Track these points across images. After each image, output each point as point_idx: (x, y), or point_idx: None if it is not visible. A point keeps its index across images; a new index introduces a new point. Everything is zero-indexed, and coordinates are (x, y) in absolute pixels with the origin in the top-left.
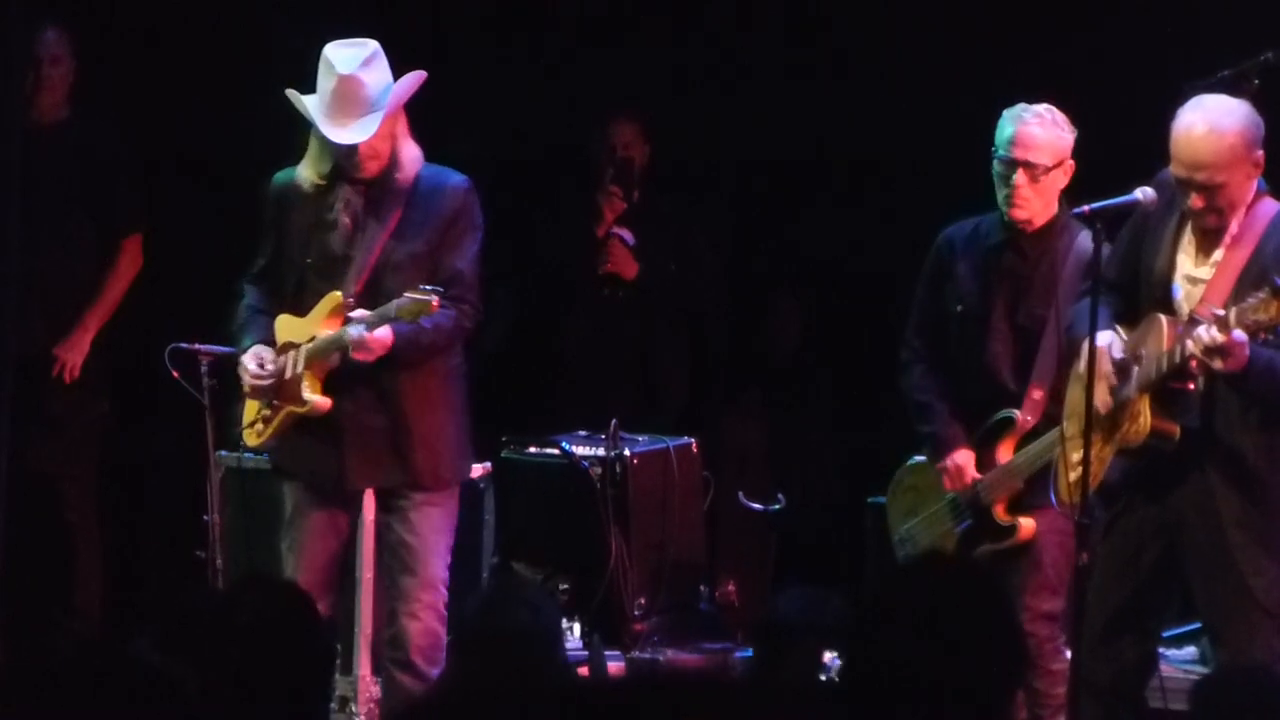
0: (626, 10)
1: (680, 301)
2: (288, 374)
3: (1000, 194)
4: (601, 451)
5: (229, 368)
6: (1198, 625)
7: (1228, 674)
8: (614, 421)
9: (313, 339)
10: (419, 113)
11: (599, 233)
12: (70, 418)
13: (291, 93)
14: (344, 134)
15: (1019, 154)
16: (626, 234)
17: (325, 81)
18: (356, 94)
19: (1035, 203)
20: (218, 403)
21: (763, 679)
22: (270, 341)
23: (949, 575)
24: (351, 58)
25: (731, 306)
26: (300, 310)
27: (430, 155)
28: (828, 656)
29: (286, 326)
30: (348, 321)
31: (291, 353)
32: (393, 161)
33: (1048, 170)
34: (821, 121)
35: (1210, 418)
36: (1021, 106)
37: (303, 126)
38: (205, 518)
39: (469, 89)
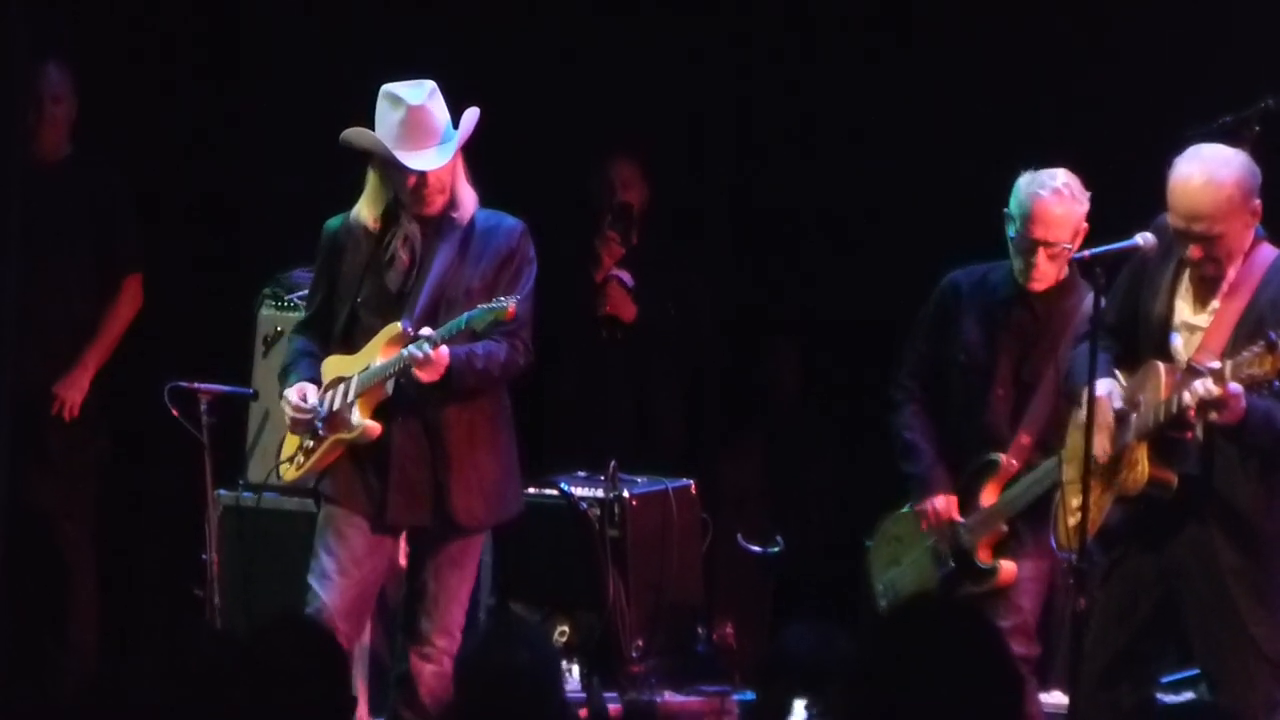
0: (625, 50)
1: (678, 343)
2: (336, 404)
3: (1016, 264)
4: (600, 492)
5: (228, 406)
6: (1196, 671)
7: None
8: (613, 463)
9: (367, 368)
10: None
11: (597, 278)
12: (69, 455)
13: (357, 130)
14: (421, 160)
15: (1039, 234)
16: (625, 276)
17: (393, 114)
18: (428, 124)
19: (1053, 273)
20: (217, 441)
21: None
22: (316, 380)
23: (940, 617)
24: (417, 91)
25: (731, 349)
26: (351, 348)
27: None
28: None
29: (335, 364)
30: (411, 342)
31: (341, 385)
32: (451, 200)
33: (1068, 247)
34: (823, 168)
35: (1209, 467)
36: (1041, 179)
37: (349, 169)
38: (203, 556)
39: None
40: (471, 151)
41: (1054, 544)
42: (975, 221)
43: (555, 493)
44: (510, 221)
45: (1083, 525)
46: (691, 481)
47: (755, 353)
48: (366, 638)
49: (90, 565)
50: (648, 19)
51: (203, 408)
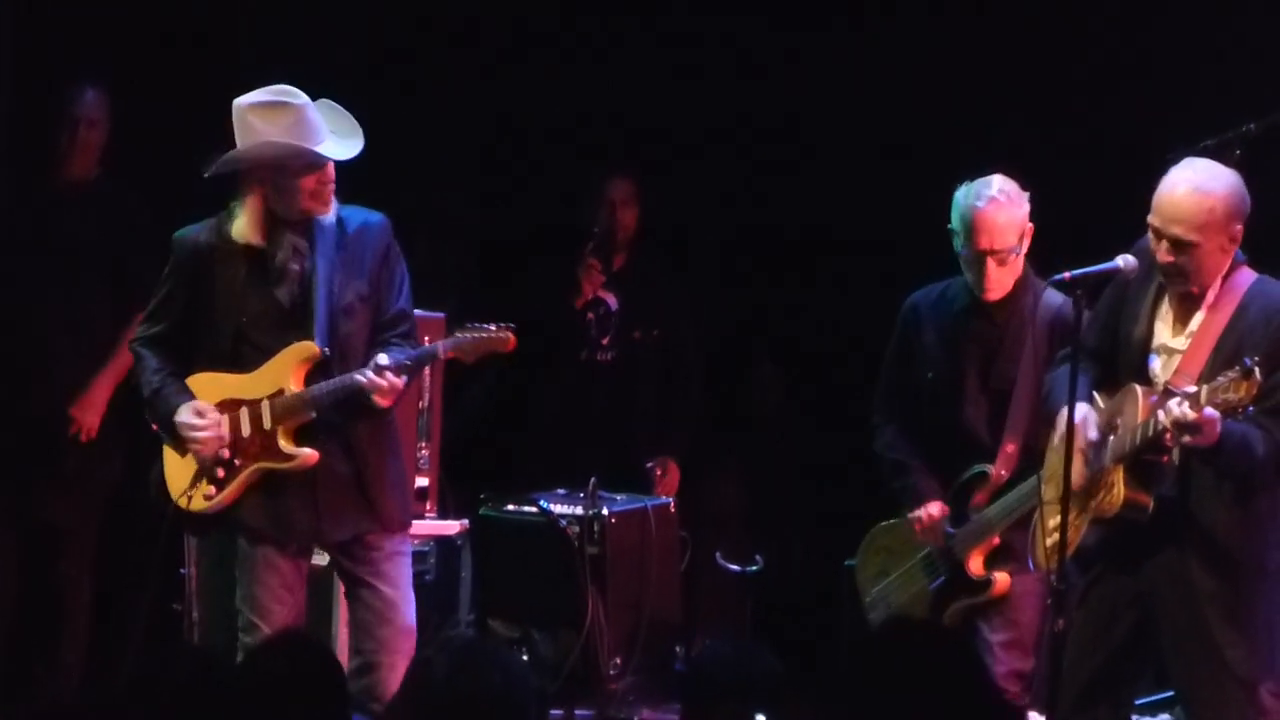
0: (616, 76)
1: (660, 364)
2: (246, 430)
3: (969, 276)
4: (580, 510)
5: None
6: (1171, 694)
7: None
8: (593, 480)
9: (279, 392)
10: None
11: (577, 305)
12: (83, 476)
13: (254, 146)
14: (338, 151)
15: (984, 244)
16: (610, 299)
17: (282, 118)
18: (317, 120)
19: (1006, 279)
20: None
21: None
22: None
23: (924, 643)
24: (288, 93)
25: (712, 369)
26: (239, 367)
27: (421, 216)
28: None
29: (219, 384)
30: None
31: (247, 408)
32: None
33: (1015, 251)
34: (807, 191)
35: (1185, 489)
36: (977, 190)
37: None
38: (182, 570)
39: (457, 149)
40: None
41: (1031, 564)
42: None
43: (535, 510)
44: (377, 217)
45: (1060, 546)
46: (671, 500)
47: (737, 373)
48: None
49: (85, 585)
50: (637, 43)
51: None
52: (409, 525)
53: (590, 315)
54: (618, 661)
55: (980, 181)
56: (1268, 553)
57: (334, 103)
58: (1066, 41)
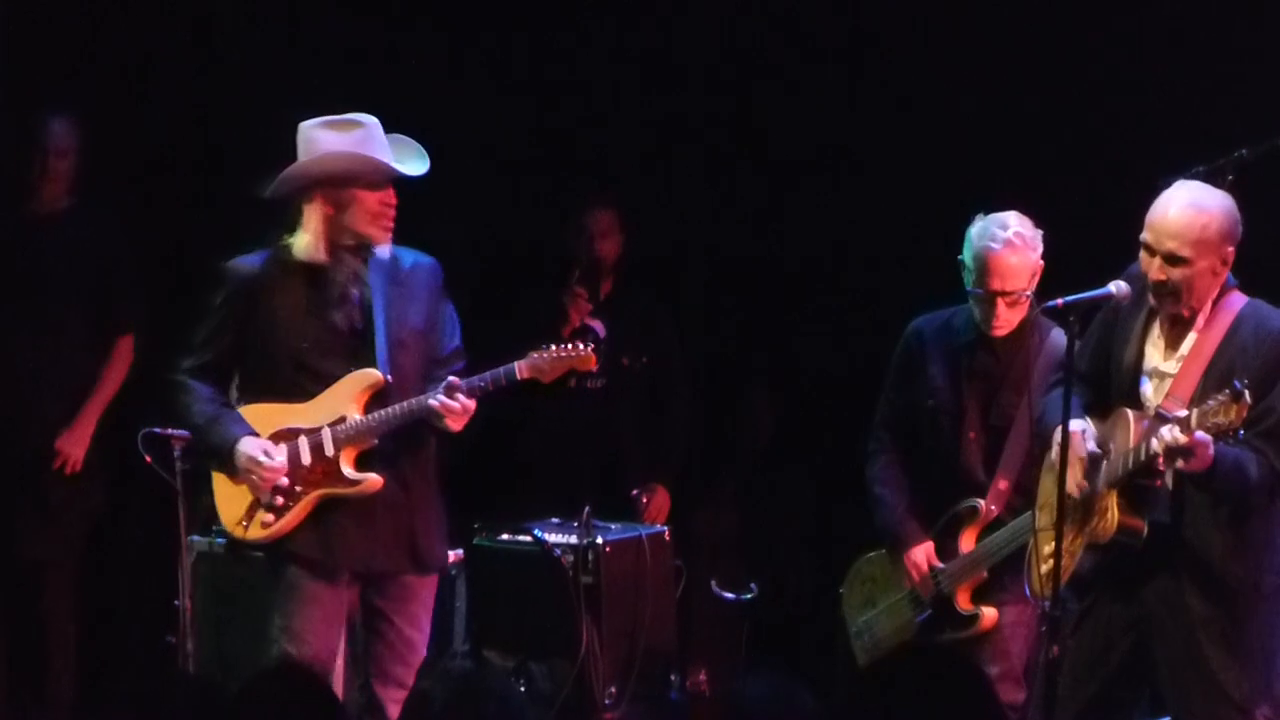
0: (601, 101)
1: (650, 391)
2: (306, 458)
3: (977, 313)
4: (574, 539)
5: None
6: (1167, 719)
7: None
8: (586, 509)
9: (341, 419)
10: None
11: (564, 332)
12: (66, 509)
13: (322, 157)
14: (409, 167)
15: (996, 285)
16: (598, 326)
17: (349, 134)
18: (384, 139)
19: (1014, 318)
20: (190, 487)
21: None
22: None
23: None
24: (357, 115)
25: (705, 396)
26: (294, 395)
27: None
28: None
29: (276, 415)
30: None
31: (306, 437)
32: None
33: (1027, 294)
34: (797, 216)
35: (1179, 514)
36: (992, 230)
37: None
38: (176, 602)
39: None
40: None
41: (1027, 591)
42: (953, 272)
43: (529, 539)
44: (427, 258)
45: (1055, 572)
46: (665, 528)
47: (729, 400)
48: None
49: (69, 617)
50: (620, 73)
51: (176, 454)
52: (445, 566)
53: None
54: (613, 691)
55: (995, 219)
56: (1262, 577)
57: (403, 135)
58: (1055, 69)
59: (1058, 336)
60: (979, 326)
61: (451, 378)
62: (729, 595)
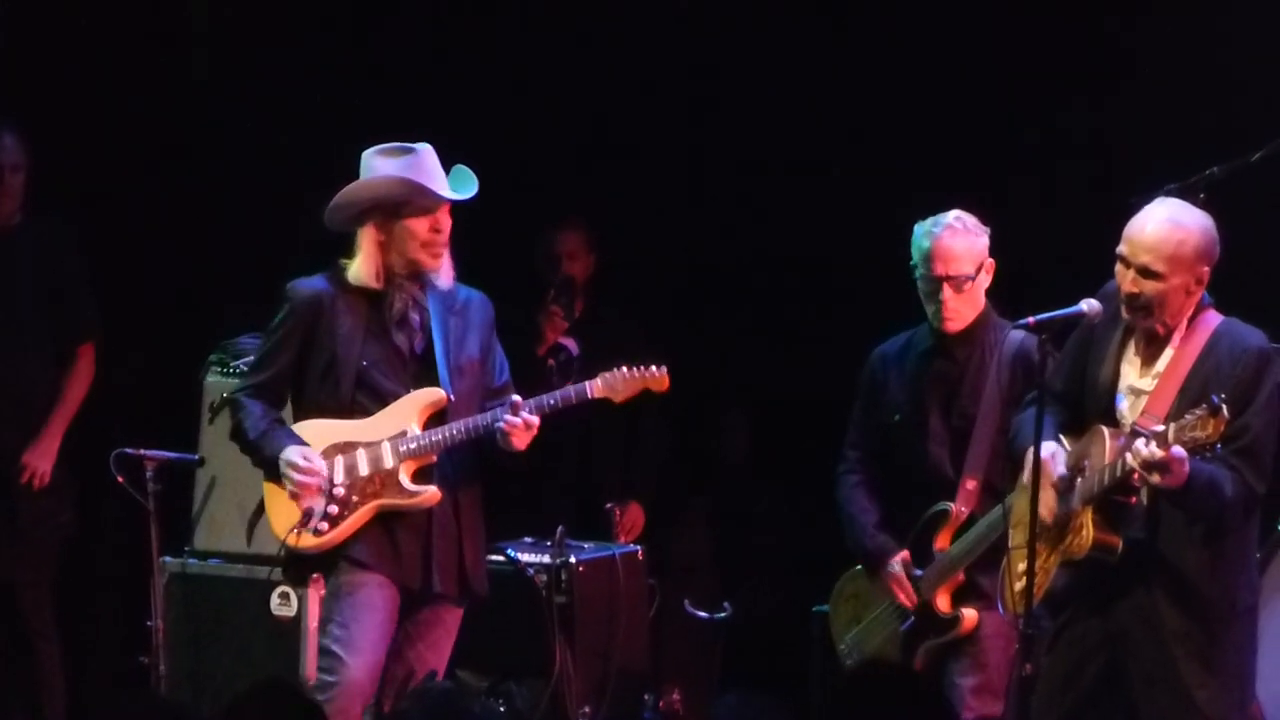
0: (573, 115)
1: (623, 408)
2: (363, 470)
3: (929, 309)
4: (547, 559)
5: (174, 473)
6: None
7: None
8: (560, 528)
9: (402, 434)
10: None
11: (539, 352)
12: (35, 525)
13: (375, 180)
14: (458, 193)
15: (940, 270)
16: (571, 345)
17: (402, 159)
18: (438, 166)
19: (965, 310)
20: (162, 508)
21: None
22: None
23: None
24: (413, 145)
25: (679, 415)
26: (352, 414)
27: None
28: None
29: (334, 430)
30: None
31: (365, 450)
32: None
33: (971, 279)
34: (772, 236)
35: (1154, 531)
36: (935, 219)
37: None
38: (149, 623)
39: None
40: None
41: (1000, 608)
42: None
43: (502, 559)
44: (479, 293)
45: (1028, 590)
46: (638, 548)
47: (704, 419)
48: None
49: (52, 634)
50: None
51: (149, 474)
52: (486, 594)
53: (551, 361)
54: (586, 710)
55: (939, 214)
56: (1237, 593)
57: (463, 166)
58: (1027, 84)
59: (1016, 334)
60: (935, 333)
61: (515, 396)
62: (703, 614)
